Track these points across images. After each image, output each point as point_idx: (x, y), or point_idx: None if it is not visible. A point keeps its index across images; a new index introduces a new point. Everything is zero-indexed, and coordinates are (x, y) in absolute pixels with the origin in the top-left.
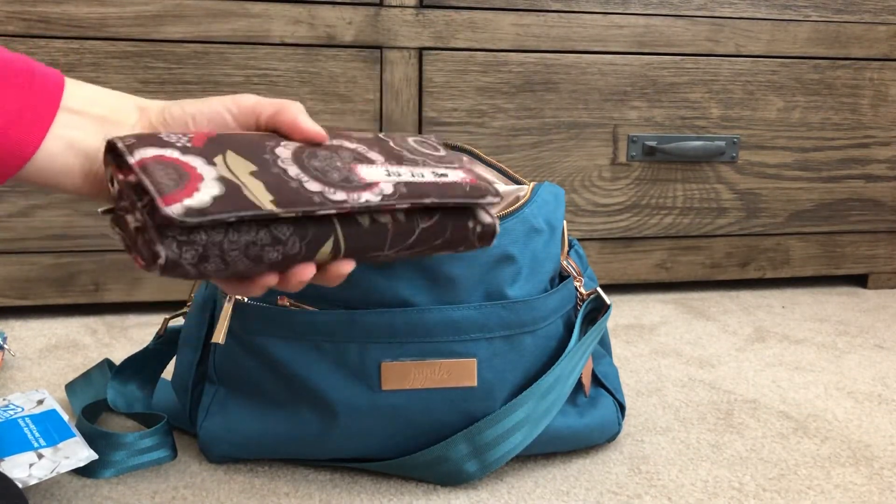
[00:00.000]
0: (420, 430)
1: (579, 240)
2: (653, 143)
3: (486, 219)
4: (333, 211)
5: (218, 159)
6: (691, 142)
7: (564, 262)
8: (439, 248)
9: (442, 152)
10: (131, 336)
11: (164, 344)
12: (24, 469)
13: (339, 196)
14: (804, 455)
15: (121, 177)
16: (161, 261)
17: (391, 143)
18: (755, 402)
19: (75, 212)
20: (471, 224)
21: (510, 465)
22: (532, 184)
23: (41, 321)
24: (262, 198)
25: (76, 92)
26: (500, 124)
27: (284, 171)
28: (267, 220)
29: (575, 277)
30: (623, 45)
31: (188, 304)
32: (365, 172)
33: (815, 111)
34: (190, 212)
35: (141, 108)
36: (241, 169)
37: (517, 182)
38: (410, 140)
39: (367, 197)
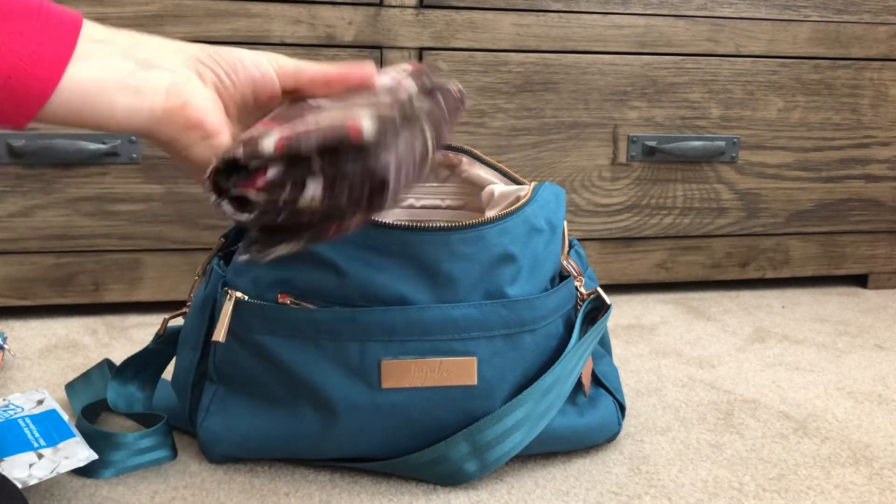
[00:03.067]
0: (420, 429)
1: (579, 240)
2: (653, 144)
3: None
4: (410, 99)
5: (314, 108)
6: (691, 142)
7: (565, 262)
8: (451, 120)
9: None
10: (131, 336)
11: (164, 344)
12: (24, 469)
13: (393, 98)
14: (804, 455)
15: (260, 181)
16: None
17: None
18: (755, 402)
19: (75, 212)
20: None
21: (510, 465)
22: (533, 184)
23: (41, 321)
24: (383, 109)
25: (97, 27)
26: (500, 124)
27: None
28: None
29: (575, 277)
30: (623, 45)
31: (188, 304)
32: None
33: (815, 111)
34: (378, 122)
35: (176, 47)
36: (337, 109)
37: (517, 182)
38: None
39: (401, 91)
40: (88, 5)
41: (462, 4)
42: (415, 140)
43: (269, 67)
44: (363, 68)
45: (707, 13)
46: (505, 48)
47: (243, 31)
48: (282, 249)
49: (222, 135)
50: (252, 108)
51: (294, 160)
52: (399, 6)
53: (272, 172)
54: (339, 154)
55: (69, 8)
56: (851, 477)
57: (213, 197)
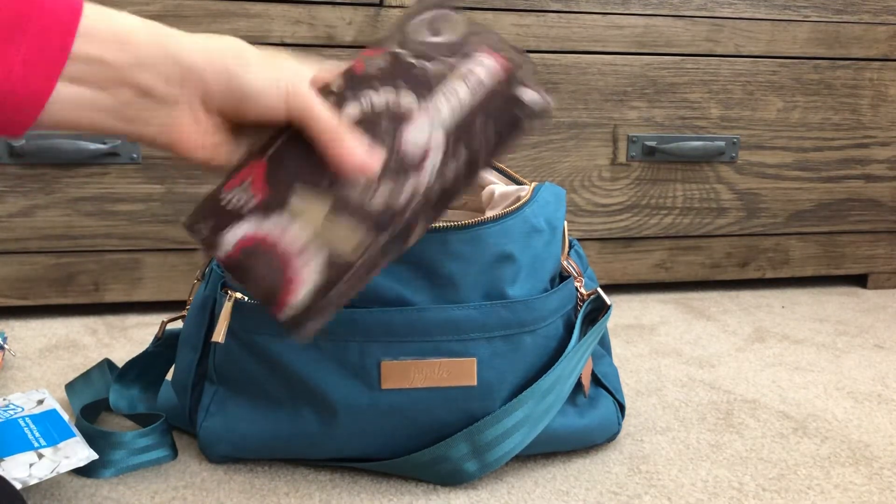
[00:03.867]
0: (420, 430)
1: (579, 240)
2: (653, 143)
3: (531, 97)
4: (408, 216)
5: (294, 204)
6: (691, 142)
7: (565, 263)
8: (505, 148)
9: (455, 29)
10: (131, 336)
11: (164, 347)
12: (24, 469)
13: (406, 194)
14: (804, 455)
15: (220, 255)
16: (300, 339)
17: (409, 59)
18: (755, 402)
19: (75, 212)
20: (519, 112)
21: (510, 465)
22: (533, 184)
23: (41, 321)
24: (350, 245)
25: (97, 22)
26: None
27: (352, 189)
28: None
29: (575, 278)
30: (623, 45)
31: (188, 304)
32: (412, 139)
33: (814, 111)
34: (300, 309)
35: (186, 68)
36: (319, 210)
37: (517, 182)
38: (423, 31)
39: (427, 172)
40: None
41: (462, 4)
42: (379, 261)
43: (277, 106)
44: (365, 165)
45: (707, 13)
46: None
47: (243, 31)
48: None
49: (213, 160)
50: (256, 128)
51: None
52: (399, 6)
53: (231, 264)
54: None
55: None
56: (851, 477)
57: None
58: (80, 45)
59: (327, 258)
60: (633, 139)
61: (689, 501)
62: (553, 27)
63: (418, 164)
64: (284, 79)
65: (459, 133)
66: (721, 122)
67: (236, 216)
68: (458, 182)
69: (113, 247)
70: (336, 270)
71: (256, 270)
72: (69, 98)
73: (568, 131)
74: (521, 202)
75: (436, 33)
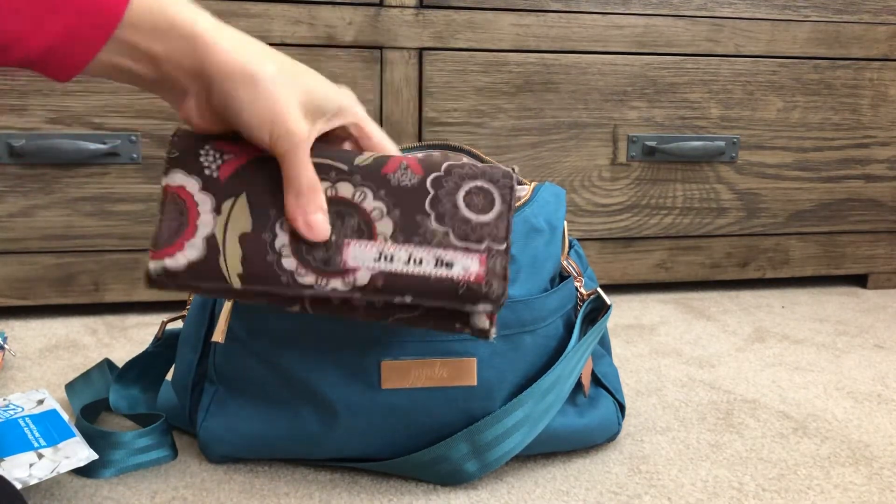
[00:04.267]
0: (420, 430)
1: (579, 240)
2: (653, 143)
3: (477, 324)
4: (294, 294)
5: (226, 206)
6: (691, 142)
7: (565, 263)
8: (422, 327)
9: (486, 215)
10: (131, 336)
11: (164, 347)
12: (24, 469)
13: (308, 279)
14: (804, 455)
15: (163, 181)
16: (146, 283)
17: (425, 204)
18: (755, 402)
19: (75, 212)
20: (458, 325)
21: (510, 465)
22: (533, 184)
23: (41, 321)
24: (233, 269)
25: (142, 11)
26: (500, 124)
27: (274, 237)
28: (227, 290)
29: (575, 277)
30: (623, 45)
31: (188, 304)
32: (353, 254)
33: (814, 111)
34: (165, 272)
35: (199, 70)
36: (237, 227)
37: (517, 182)
38: (460, 195)
39: (336, 285)
40: None
41: (462, 4)
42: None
43: (261, 141)
44: (311, 230)
45: (707, 13)
46: (505, 48)
47: (243, 31)
48: None
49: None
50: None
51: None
52: (399, 6)
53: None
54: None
55: None
56: (851, 477)
57: None
58: (121, 31)
59: (204, 258)
60: (633, 139)
61: (689, 501)
62: (553, 27)
63: (329, 274)
64: (280, 123)
65: (384, 290)
66: (721, 122)
67: (196, 168)
68: (355, 312)
69: (113, 247)
70: (198, 274)
71: (170, 215)
72: (106, 63)
73: (568, 131)
74: (520, 202)
75: (468, 206)
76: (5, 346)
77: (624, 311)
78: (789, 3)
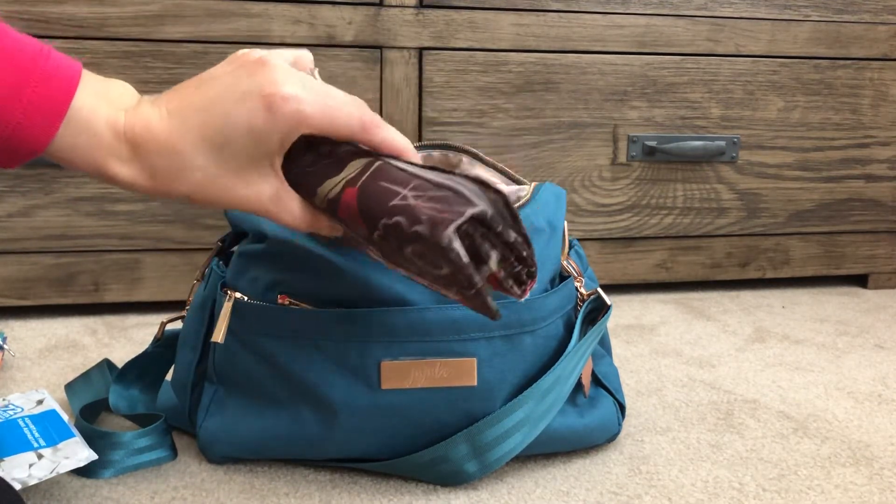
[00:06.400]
0: (420, 430)
1: (579, 240)
2: (653, 143)
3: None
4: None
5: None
6: (691, 142)
7: (565, 263)
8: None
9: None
10: (131, 336)
11: (163, 348)
12: (23, 469)
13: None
14: (804, 455)
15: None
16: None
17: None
18: (755, 402)
19: (75, 212)
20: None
21: (510, 465)
22: (533, 184)
23: (41, 321)
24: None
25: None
26: (500, 124)
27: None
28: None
29: (575, 278)
30: (623, 45)
31: (187, 304)
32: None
33: (815, 111)
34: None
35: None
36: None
37: (518, 182)
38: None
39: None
40: (88, 6)
41: (462, 4)
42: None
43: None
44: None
45: (707, 13)
46: (505, 48)
47: (243, 31)
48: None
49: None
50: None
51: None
52: (399, 6)
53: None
54: None
55: (68, 61)
56: (851, 477)
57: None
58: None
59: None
60: (634, 139)
61: (690, 502)
62: (553, 27)
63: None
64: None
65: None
66: (721, 122)
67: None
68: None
69: (113, 247)
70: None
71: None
72: (64, 148)
73: (568, 131)
74: (521, 202)
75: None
76: (5, 346)
77: (624, 311)
78: (790, 2)
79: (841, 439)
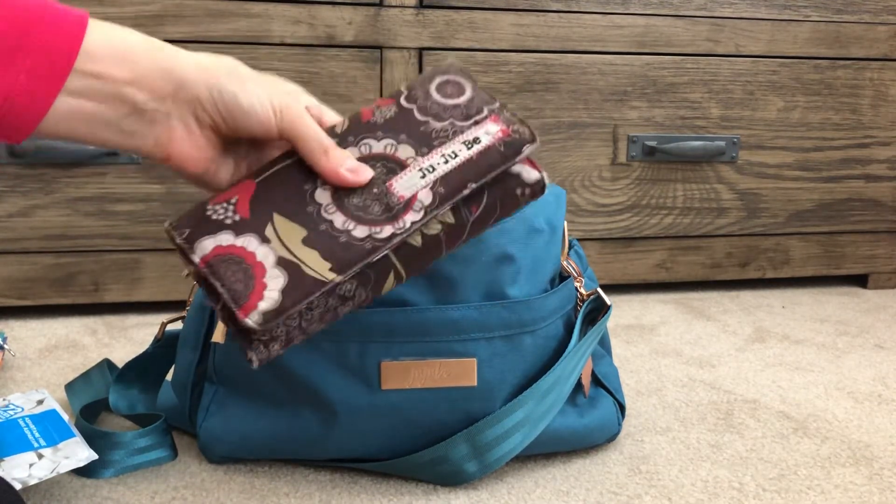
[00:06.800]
0: (420, 430)
1: (579, 240)
2: (653, 143)
3: (531, 176)
4: (386, 252)
5: (269, 231)
6: (691, 142)
7: (565, 263)
8: (495, 223)
9: (467, 94)
10: (131, 336)
11: (164, 348)
12: (24, 469)
13: (386, 231)
14: (804, 455)
15: (191, 266)
16: (255, 365)
17: (416, 115)
18: (755, 402)
19: (75, 212)
20: (518, 191)
21: (510, 465)
22: None
23: (41, 321)
24: (321, 269)
25: (99, 40)
26: None
27: (331, 223)
28: (332, 289)
29: (575, 278)
30: (623, 45)
31: (187, 304)
32: (401, 186)
33: (815, 111)
34: (266, 316)
35: (179, 83)
36: (294, 238)
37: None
38: (434, 93)
39: (411, 218)
40: (88, 6)
41: (462, 4)
42: (339, 308)
43: (268, 120)
44: (355, 176)
45: (707, 13)
46: (505, 48)
47: (243, 31)
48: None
49: (206, 175)
50: (248, 145)
51: (207, 286)
52: (399, 6)
53: (204, 271)
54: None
55: (75, 11)
56: (851, 477)
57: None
58: (82, 62)
59: (290, 280)
60: (634, 139)
61: (690, 502)
62: (553, 27)
63: (398, 215)
64: (277, 96)
65: (448, 195)
66: (721, 122)
67: (216, 227)
68: (440, 244)
69: (113, 247)
70: (298, 293)
71: (229, 274)
72: (69, 110)
73: (568, 131)
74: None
75: (448, 96)
76: (5, 346)
77: (624, 311)
78: (789, 2)
79: (841, 439)
